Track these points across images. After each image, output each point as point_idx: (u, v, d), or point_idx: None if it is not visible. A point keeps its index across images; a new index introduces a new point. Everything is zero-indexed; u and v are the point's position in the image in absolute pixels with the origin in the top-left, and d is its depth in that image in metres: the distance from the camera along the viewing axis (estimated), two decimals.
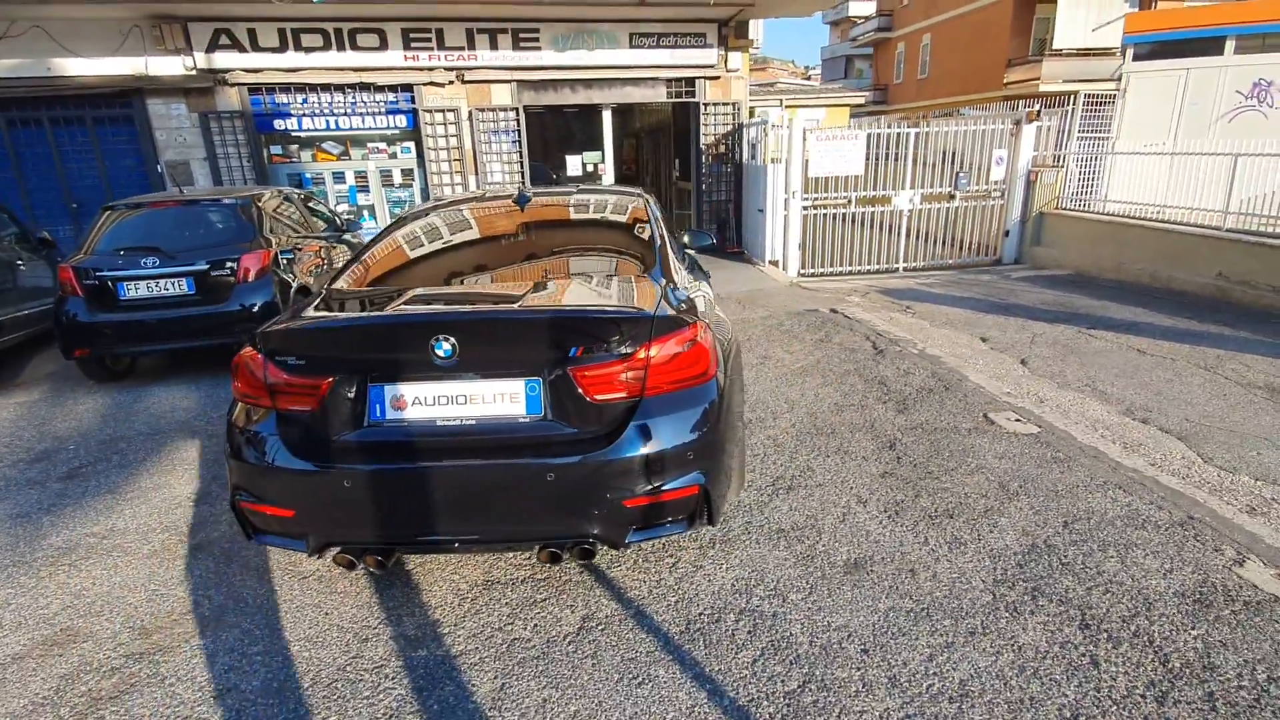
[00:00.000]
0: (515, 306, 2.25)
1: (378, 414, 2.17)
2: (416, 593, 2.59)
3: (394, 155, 9.97)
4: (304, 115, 9.41)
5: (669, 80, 10.09)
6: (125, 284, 5.22)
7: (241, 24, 8.70)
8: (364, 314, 2.40)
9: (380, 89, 9.40)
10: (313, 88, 9.22)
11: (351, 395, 2.15)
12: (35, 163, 8.87)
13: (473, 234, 3.20)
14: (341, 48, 9.03)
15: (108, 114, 8.87)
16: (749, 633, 2.29)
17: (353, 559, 2.25)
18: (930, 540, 2.82)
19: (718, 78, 10.18)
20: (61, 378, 5.68)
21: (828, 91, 20.61)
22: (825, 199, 9.53)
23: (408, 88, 9.46)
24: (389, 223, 3.47)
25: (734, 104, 10.30)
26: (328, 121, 9.52)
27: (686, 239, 4.68)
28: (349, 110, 9.49)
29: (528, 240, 3.07)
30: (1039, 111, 9.11)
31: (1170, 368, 4.92)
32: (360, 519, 2.14)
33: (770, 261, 9.54)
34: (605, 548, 2.33)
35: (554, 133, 11.81)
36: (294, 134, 9.51)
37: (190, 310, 5.29)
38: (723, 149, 10.52)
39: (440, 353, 2.08)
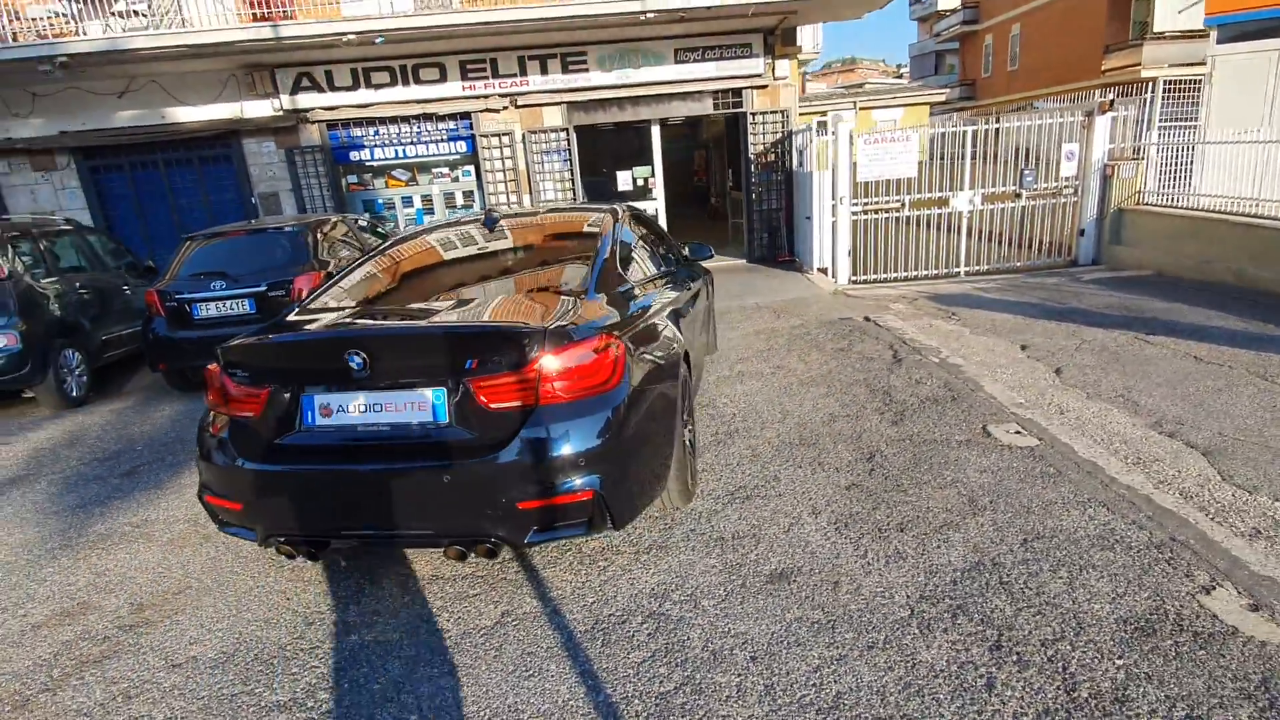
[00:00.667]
0: (423, 323, 2.46)
1: (309, 420, 2.43)
2: (370, 584, 2.83)
3: (456, 179, 10.61)
4: (375, 146, 10.22)
5: (715, 92, 10.16)
6: (198, 305, 5.92)
7: (320, 67, 9.59)
8: (294, 332, 2.66)
9: (441, 118, 10.06)
10: (382, 120, 10.01)
11: (287, 404, 2.43)
12: (152, 199, 10.15)
13: (438, 256, 3.45)
14: (406, 82, 9.75)
15: (210, 153, 10.03)
16: (648, 635, 2.36)
17: (291, 549, 2.52)
18: (869, 553, 2.76)
19: (765, 86, 10.14)
20: (152, 389, 6.49)
21: (906, 90, 19.81)
22: (877, 203, 9.27)
23: (466, 115, 10.06)
24: (377, 246, 3.79)
25: (783, 111, 10.21)
26: (396, 150, 10.29)
27: (687, 251, 4.77)
28: (414, 139, 10.22)
29: (483, 261, 3.28)
30: (1113, 101, 8.44)
31: (1223, 376, 4.46)
32: (293, 514, 2.40)
33: (819, 269, 9.36)
34: (529, 548, 2.47)
35: (605, 149, 12.16)
36: (367, 164, 10.35)
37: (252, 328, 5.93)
38: (772, 157, 10.44)
39: (354, 365, 2.31)
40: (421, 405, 2.33)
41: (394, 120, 10.04)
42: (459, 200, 10.75)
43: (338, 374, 2.35)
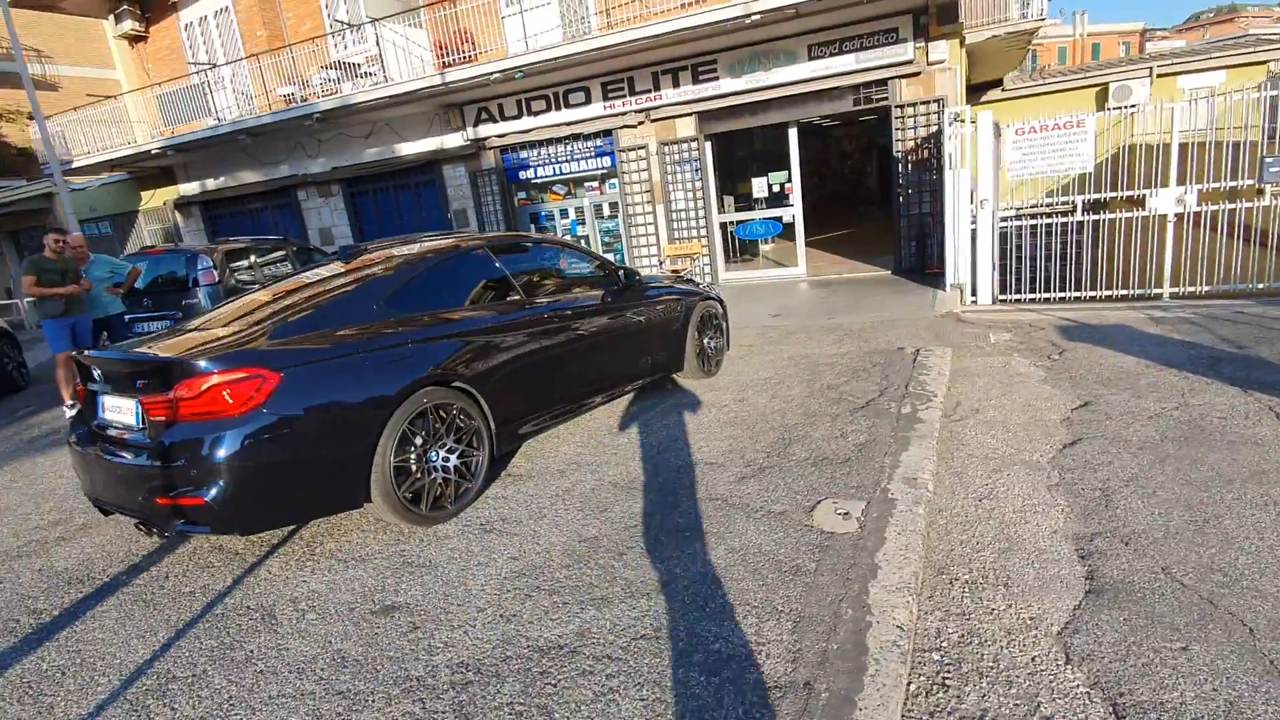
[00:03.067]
0: (137, 350, 3.12)
1: (100, 415, 3.30)
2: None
3: (604, 192, 11.39)
4: (537, 165, 11.52)
5: (855, 86, 9.18)
6: None
7: (494, 101, 11.17)
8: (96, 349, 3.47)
9: (587, 137, 10.91)
10: (541, 143, 11.25)
11: (93, 401, 3.33)
12: (386, 215, 12.94)
13: (265, 294, 3.89)
14: (559, 107, 10.80)
15: (421, 179, 12.39)
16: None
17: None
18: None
19: (916, 74, 8.84)
20: None
21: (1227, 49, 14.71)
22: (1038, 206, 7.56)
23: (608, 133, 10.74)
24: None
25: (939, 100, 8.78)
26: (553, 169, 11.45)
27: (623, 275, 4.76)
28: (568, 157, 11.26)
29: (279, 299, 3.67)
30: None
31: None
32: (94, 489, 3.29)
33: (953, 285, 7.97)
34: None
35: (740, 156, 11.78)
36: (532, 181, 11.72)
37: None
38: (924, 154, 9.07)
39: (97, 376, 3.09)
40: (130, 411, 3.02)
41: (550, 142, 11.19)
42: (605, 211, 11.52)
43: (100, 382, 3.16)
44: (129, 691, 2.42)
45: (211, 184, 14.31)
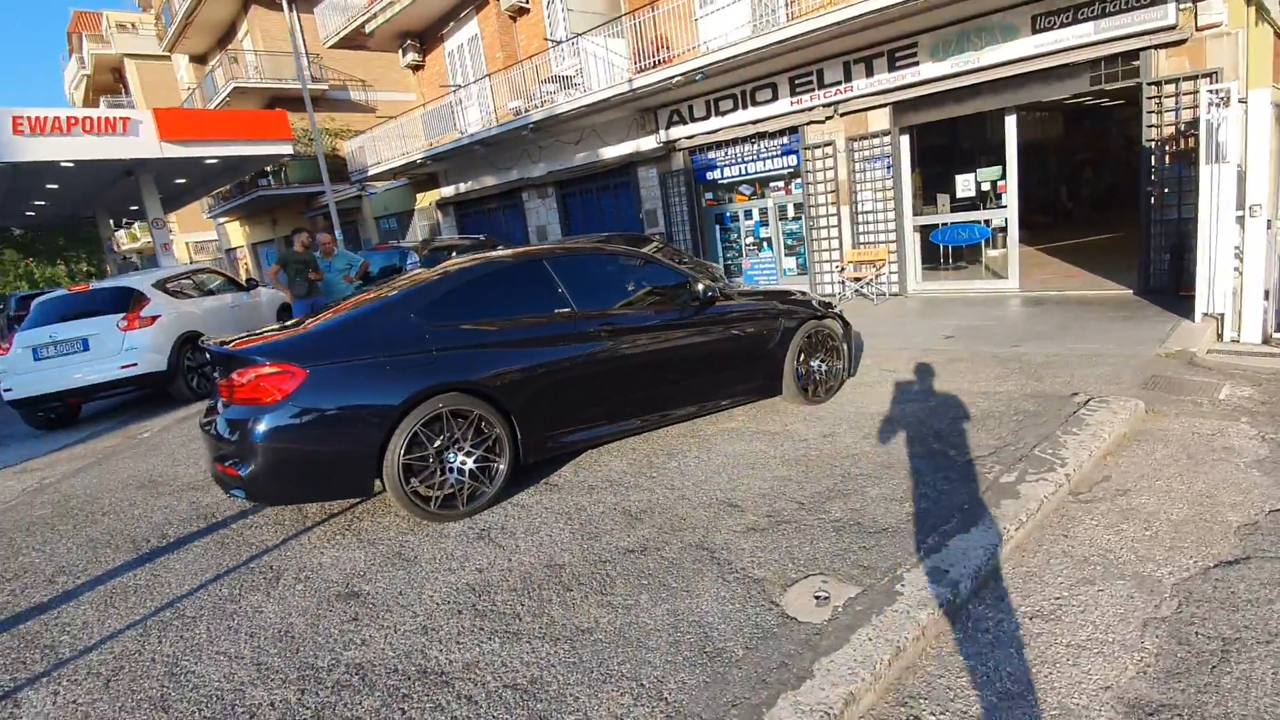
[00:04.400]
0: (225, 341, 3.72)
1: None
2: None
3: (790, 192, 10.83)
4: (724, 165, 11.36)
5: (1094, 61, 7.42)
6: None
7: (685, 104, 11.25)
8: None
9: (772, 135, 10.44)
10: (727, 143, 11.06)
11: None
12: (589, 217, 13.83)
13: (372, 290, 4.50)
14: (745, 106, 10.50)
15: (618, 181, 13.00)
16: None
17: None
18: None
19: (1180, 42, 6.86)
20: None
21: None
22: None
23: (794, 130, 10.16)
24: None
25: (1210, 74, 6.71)
26: (739, 169, 11.20)
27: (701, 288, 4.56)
28: (755, 157, 10.91)
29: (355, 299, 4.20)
30: None
31: None
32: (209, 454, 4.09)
33: (1205, 315, 6.15)
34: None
35: (941, 151, 10.10)
36: (719, 182, 11.59)
37: None
38: (1186, 144, 7.02)
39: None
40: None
41: (736, 141, 10.93)
42: (790, 212, 10.93)
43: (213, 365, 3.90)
44: (152, 619, 2.99)
45: (462, 188, 16.64)
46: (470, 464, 3.63)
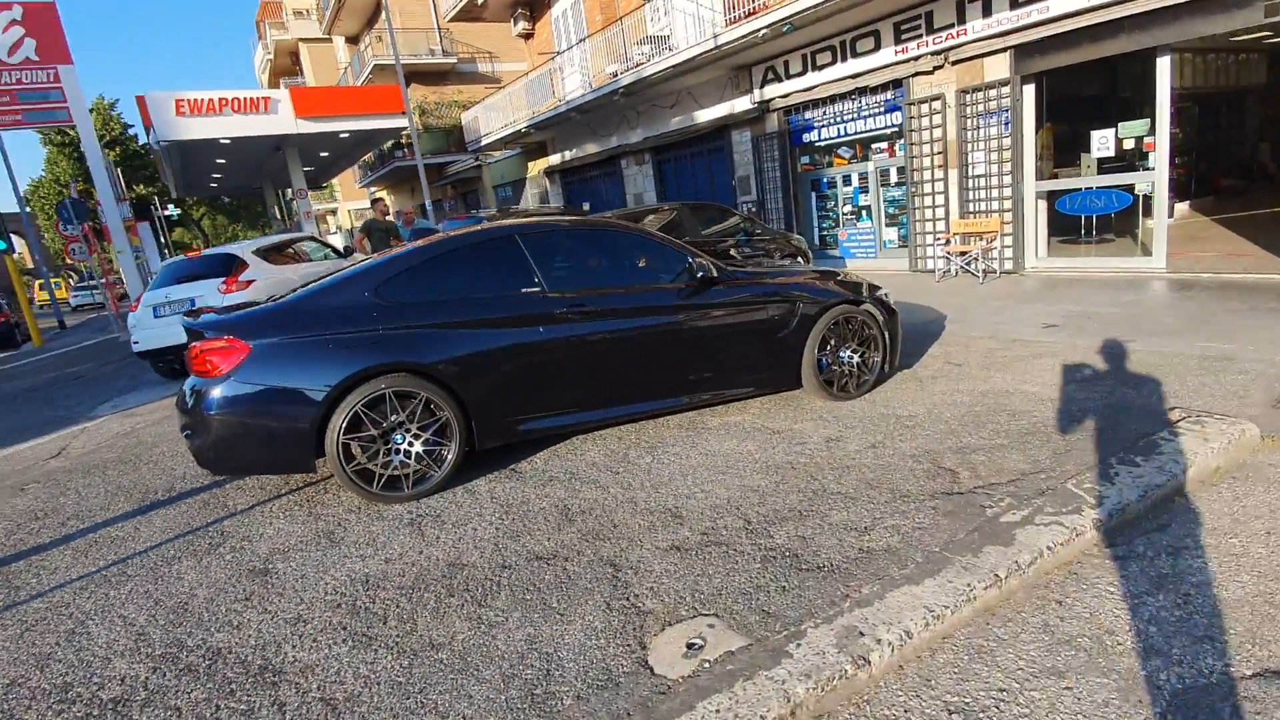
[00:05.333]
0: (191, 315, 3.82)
1: None
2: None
3: (894, 154, 9.68)
4: (821, 126, 10.39)
5: None
6: None
7: (780, 59, 10.37)
8: None
9: (874, 89, 9.34)
10: (824, 100, 10.06)
11: None
12: (682, 183, 13.33)
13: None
14: (844, 58, 9.47)
15: (711, 145, 12.36)
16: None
17: None
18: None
19: None
20: None
21: None
22: None
23: (898, 83, 9.02)
24: None
25: None
26: (838, 129, 10.19)
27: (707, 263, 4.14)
28: (856, 115, 9.85)
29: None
30: None
31: None
32: None
33: None
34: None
35: (1070, 102, 8.31)
36: (815, 144, 10.64)
37: None
38: None
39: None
40: None
41: (834, 99, 9.91)
42: (893, 177, 9.78)
43: None
44: (102, 573, 3.19)
45: (567, 155, 16.72)
46: (419, 447, 3.53)
